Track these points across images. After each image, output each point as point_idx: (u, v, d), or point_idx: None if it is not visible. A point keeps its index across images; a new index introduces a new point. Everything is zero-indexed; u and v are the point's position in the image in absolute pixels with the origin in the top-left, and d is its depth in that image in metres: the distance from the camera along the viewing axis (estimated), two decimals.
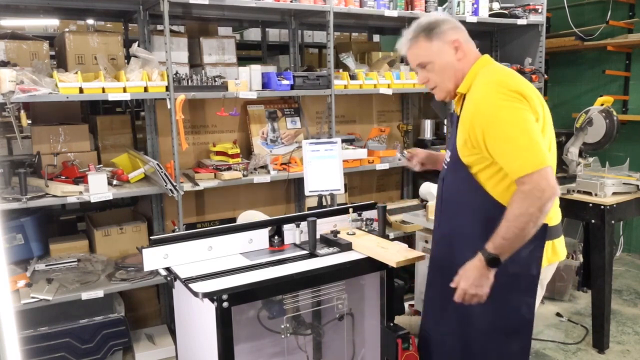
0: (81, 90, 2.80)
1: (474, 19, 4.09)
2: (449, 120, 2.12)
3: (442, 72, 1.86)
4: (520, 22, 4.32)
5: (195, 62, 3.62)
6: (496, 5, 4.28)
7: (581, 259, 4.06)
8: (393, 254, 1.93)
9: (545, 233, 1.79)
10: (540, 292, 1.91)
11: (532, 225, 1.64)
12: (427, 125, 4.35)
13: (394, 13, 3.70)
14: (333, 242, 2.11)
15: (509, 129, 1.67)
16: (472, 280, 1.69)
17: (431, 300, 2.03)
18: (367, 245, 2.05)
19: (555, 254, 1.90)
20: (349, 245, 2.07)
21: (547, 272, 1.91)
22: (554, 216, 1.88)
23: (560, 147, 4.00)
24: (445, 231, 1.94)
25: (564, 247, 1.94)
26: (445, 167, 1.95)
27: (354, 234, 2.20)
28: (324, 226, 2.22)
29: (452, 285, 1.74)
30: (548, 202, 1.64)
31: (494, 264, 1.67)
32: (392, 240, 2.14)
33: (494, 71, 1.83)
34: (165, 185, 2.94)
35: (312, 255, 2.03)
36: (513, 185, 1.72)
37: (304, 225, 2.13)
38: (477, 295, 1.70)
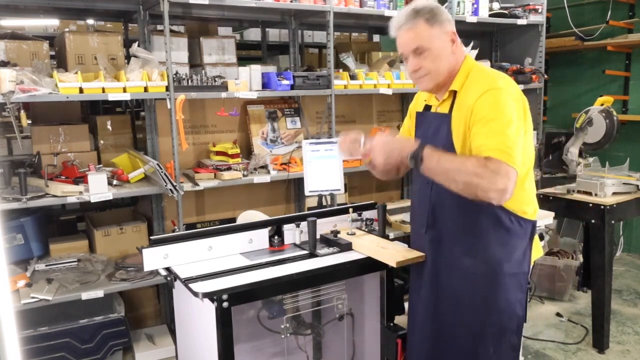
0: (81, 90, 2.80)
1: (474, 19, 4.09)
2: (419, 119, 2.00)
3: (438, 60, 1.78)
4: (520, 22, 4.32)
5: (195, 62, 3.62)
6: (496, 5, 4.28)
7: (581, 259, 4.06)
8: (393, 254, 1.93)
9: (534, 231, 1.85)
10: None
11: (463, 187, 1.62)
12: None
13: (394, 13, 3.69)
14: (333, 242, 2.11)
15: (505, 124, 1.64)
16: (390, 157, 1.72)
17: (424, 301, 1.95)
18: (367, 245, 2.05)
19: (538, 250, 1.95)
20: (349, 245, 2.07)
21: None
22: (535, 212, 1.89)
23: (560, 147, 4.00)
24: (435, 235, 1.88)
25: (539, 244, 1.99)
26: None
27: (354, 234, 2.20)
28: (324, 226, 2.22)
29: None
30: (489, 198, 1.59)
31: (414, 158, 1.67)
32: (392, 240, 2.14)
33: (491, 74, 1.80)
34: (165, 185, 2.94)
35: (312, 255, 2.03)
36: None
37: (304, 225, 2.13)
38: (374, 158, 1.73)
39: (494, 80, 1.75)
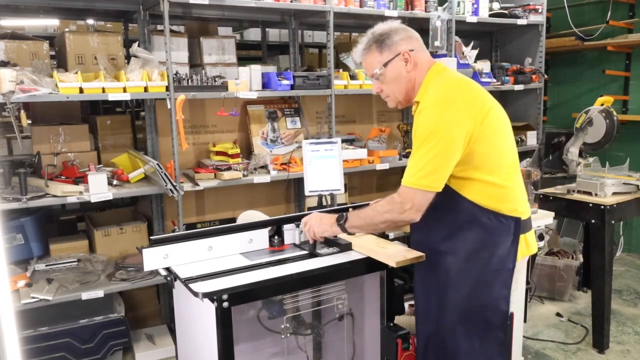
0: (81, 90, 2.81)
1: (474, 19, 4.09)
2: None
3: (392, 83, 1.91)
4: (520, 22, 4.32)
5: (195, 62, 3.62)
6: (496, 5, 4.29)
7: (581, 259, 4.06)
8: (393, 254, 1.93)
9: (519, 228, 1.86)
10: (516, 285, 1.98)
11: (384, 226, 1.88)
12: None
13: (394, 13, 3.70)
14: (333, 242, 2.11)
15: (425, 146, 1.74)
16: (321, 226, 2.01)
17: (419, 298, 2.05)
18: (367, 245, 2.05)
19: (528, 247, 1.98)
20: (349, 245, 2.07)
21: (521, 265, 2.02)
22: (525, 210, 1.93)
23: (560, 147, 4.00)
24: (419, 238, 1.98)
25: (534, 241, 2.02)
26: None
27: (353, 234, 2.20)
28: None
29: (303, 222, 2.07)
30: (405, 221, 1.82)
31: (341, 225, 1.95)
32: (392, 240, 2.14)
33: (442, 85, 1.84)
34: (165, 185, 2.94)
35: (312, 255, 2.03)
36: (485, 187, 1.81)
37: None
38: (315, 234, 2.02)
39: (433, 96, 1.81)
